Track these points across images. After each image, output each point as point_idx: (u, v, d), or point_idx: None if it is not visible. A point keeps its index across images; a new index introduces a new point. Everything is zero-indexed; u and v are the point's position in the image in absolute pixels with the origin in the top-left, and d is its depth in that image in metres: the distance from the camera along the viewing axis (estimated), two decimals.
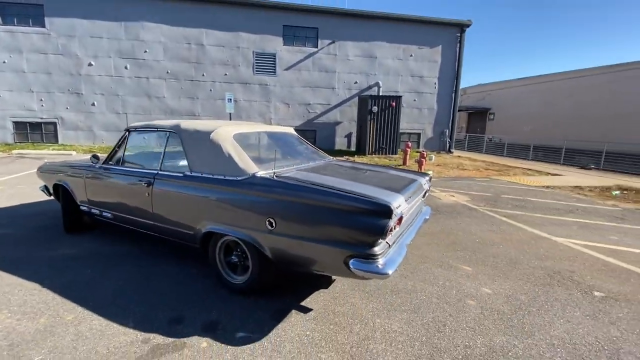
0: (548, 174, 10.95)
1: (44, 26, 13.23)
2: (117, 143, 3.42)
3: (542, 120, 22.53)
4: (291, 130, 3.97)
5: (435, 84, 16.73)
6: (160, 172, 2.94)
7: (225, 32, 14.49)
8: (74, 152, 12.16)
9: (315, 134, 15.96)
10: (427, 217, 3.23)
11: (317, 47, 15.38)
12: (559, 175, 10.72)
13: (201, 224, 2.67)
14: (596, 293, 2.90)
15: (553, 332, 2.32)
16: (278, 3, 14.63)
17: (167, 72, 14.39)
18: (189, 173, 2.76)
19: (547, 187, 8.43)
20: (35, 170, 4.69)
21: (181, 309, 2.46)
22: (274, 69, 15.20)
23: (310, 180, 2.44)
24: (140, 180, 3.01)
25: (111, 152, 3.45)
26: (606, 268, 3.44)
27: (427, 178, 3.31)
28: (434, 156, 14.33)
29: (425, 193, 3.22)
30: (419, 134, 17.13)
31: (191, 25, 14.19)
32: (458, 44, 16.45)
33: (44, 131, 14.00)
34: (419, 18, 15.88)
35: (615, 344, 2.23)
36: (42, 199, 5.31)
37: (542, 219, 5.23)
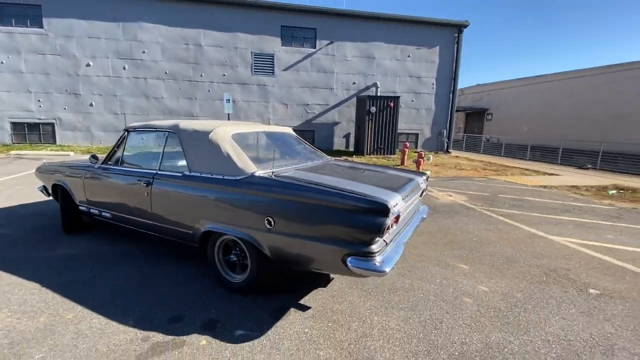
0: (545, 173, 11.02)
1: (41, 27, 13.20)
2: (116, 143, 3.43)
3: (540, 120, 22.64)
4: (289, 130, 4.00)
5: (433, 84, 16.79)
6: (159, 172, 2.96)
7: (223, 33, 14.51)
8: (72, 153, 12.14)
9: (314, 134, 15.99)
10: (425, 216, 3.26)
11: (315, 48, 15.41)
12: (556, 175, 10.78)
13: (200, 223, 2.69)
14: (591, 290, 2.94)
15: (548, 328, 2.35)
16: (276, 3, 14.66)
17: (165, 73, 14.39)
18: (187, 173, 2.78)
19: (544, 186, 8.49)
20: (34, 170, 4.69)
21: (181, 308, 2.48)
22: (272, 70, 15.23)
23: (309, 180, 2.47)
24: (139, 180, 3.03)
25: (110, 152, 3.46)
26: (601, 266, 3.47)
27: (424, 177, 3.34)
28: (431, 156, 14.38)
29: (423, 192, 3.25)
30: (417, 135, 17.18)
31: (189, 26, 14.19)
32: (456, 45, 16.52)
33: (41, 132, 13.97)
34: (417, 19, 15.94)
35: (610, 340, 2.26)
36: (40, 200, 5.32)
37: (538, 218, 5.27)
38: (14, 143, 13.70)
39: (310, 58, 15.47)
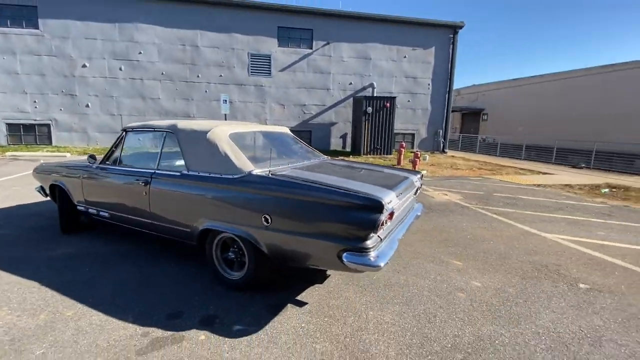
0: (540, 173, 11.15)
1: (37, 28, 13.16)
2: (114, 143, 3.47)
3: (535, 120, 22.84)
4: (286, 130, 4.05)
5: (429, 84, 16.91)
6: (157, 172, 3.00)
7: (220, 34, 14.54)
8: (68, 154, 12.10)
9: (311, 134, 16.05)
10: (419, 213, 3.32)
11: (311, 49, 15.48)
12: (551, 174, 10.91)
13: (198, 221, 2.73)
14: (581, 285, 3.01)
15: (539, 321, 2.42)
16: (272, 4, 14.71)
17: (162, 74, 14.39)
18: (185, 172, 2.82)
19: (539, 185, 8.59)
20: (31, 171, 4.71)
21: (179, 305, 2.52)
22: (269, 70, 15.27)
23: (305, 178, 2.52)
24: (137, 180, 3.06)
25: (108, 152, 3.49)
26: (592, 262, 3.55)
27: (419, 176, 3.40)
28: (427, 156, 14.49)
29: (417, 190, 3.31)
30: (413, 135, 17.29)
31: (185, 27, 14.21)
32: (451, 45, 16.65)
33: (37, 133, 13.91)
34: (413, 20, 16.06)
35: (598, 332, 2.33)
36: (37, 200, 5.32)
37: (532, 216, 5.36)
38: (9, 144, 13.63)
39: (307, 59, 15.53)
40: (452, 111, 20.72)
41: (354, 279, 2.98)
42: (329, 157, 3.95)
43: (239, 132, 3.08)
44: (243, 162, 2.65)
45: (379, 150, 14.73)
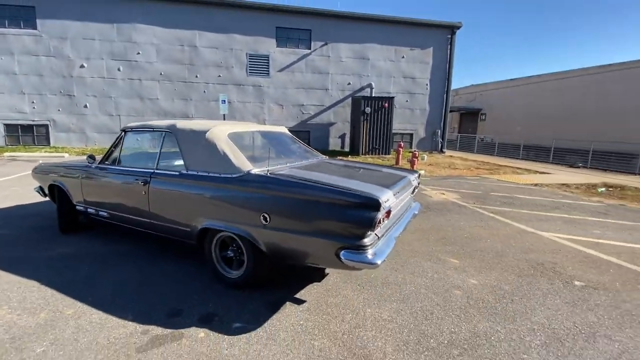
0: (537, 172, 11.21)
1: (35, 28, 13.14)
2: (114, 143, 3.48)
3: (533, 120, 22.94)
4: (285, 130, 4.07)
5: (427, 85, 16.96)
6: (156, 171, 3.02)
7: (219, 34, 14.55)
8: (66, 155, 12.09)
9: (309, 134, 16.07)
10: (416, 212, 3.35)
11: (310, 49, 15.51)
12: (548, 173, 10.97)
13: (197, 220, 2.75)
14: (576, 282, 3.05)
15: (534, 318, 2.45)
16: (271, 5, 14.74)
17: (161, 74, 14.39)
18: (185, 171, 2.84)
19: (536, 184, 8.65)
20: (30, 172, 4.71)
21: (179, 303, 2.54)
22: (268, 71, 15.29)
23: (303, 177, 2.54)
24: (136, 179, 3.08)
25: (107, 152, 3.51)
26: (587, 260, 3.59)
27: (416, 175, 3.43)
28: (426, 156, 14.54)
29: (414, 189, 3.34)
30: (411, 135, 17.34)
31: (184, 27, 14.21)
32: (449, 46, 16.71)
33: (35, 133, 13.89)
34: (411, 20, 16.11)
35: (592, 328, 2.36)
36: (36, 201, 5.33)
37: (529, 215, 5.40)
38: (7, 145, 13.61)
39: (305, 59, 15.56)
40: (451, 111, 20.80)
41: (352, 277, 3.01)
42: (327, 157, 3.98)
43: (237, 132, 3.11)
44: (242, 162, 2.68)
45: (377, 150, 14.77)
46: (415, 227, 4.52)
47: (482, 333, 2.25)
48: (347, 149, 16.40)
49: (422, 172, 10.30)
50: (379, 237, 2.31)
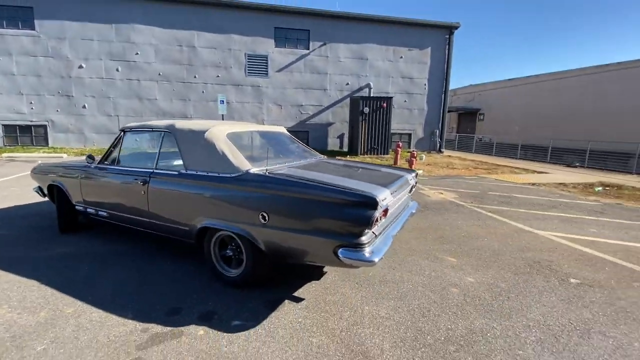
0: (535, 171, 11.26)
1: (33, 29, 13.13)
2: (113, 143, 3.50)
3: (531, 119, 23.02)
4: (283, 130, 4.10)
5: (425, 85, 17.01)
6: (155, 171, 3.04)
7: (217, 34, 14.56)
8: (64, 155, 12.08)
9: (308, 135, 16.10)
10: (414, 211, 3.38)
11: (308, 49, 15.54)
12: (545, 173, 11.03)
13: (196, 219, 2.77)
14: (572, 280, 3.08)
15: (530, 315, 2.48)
16: (269, 5, 14.76)
17: (159, 74, 14.39)
18: (184, 171, 2.86)
19: (533, 184, 8.69)
20: (29, 172, 4.72)
21: (178, 301, 2.56)
22: (266, 71, 15.31)
23: (301, 176, 2.57)
24: (136, 179, 3.10)
25: (107, 152, 3.52)
26: (583, 258, 3.63)
27: (414, 174, 3.46)
28: (424, 156, 14.58)
29: (412, 188, 3.37)
30: (409, 134, 17.39)
31: (182, 28, 14.22)
32: (447, 46, 16.77)
33: (34, 134, 13.87)
34: (409, 20, 16.16)
35: (587, 324, 2.39)
36: (35, 201, 5.34)
37: (526, 214, 5.44)
38: (5, 145, 13.58)
39: (304, 59, 15.59)
40: (449, 111, 20.87)
41: (351, 275, 3.03)
42: (326, 157, 4.00)
43: (236, 132, 3.13)
44: (240, 161, 2.70)
45: (376, 150, 14.81)
46: (413, 226, 4.55)
47: (479, 330, 2.28)
48: (345, 149, 16.43)
49: (420, 171, 10.34)
50: (376, 235, 2.33)
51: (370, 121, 14.52)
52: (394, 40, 16.21)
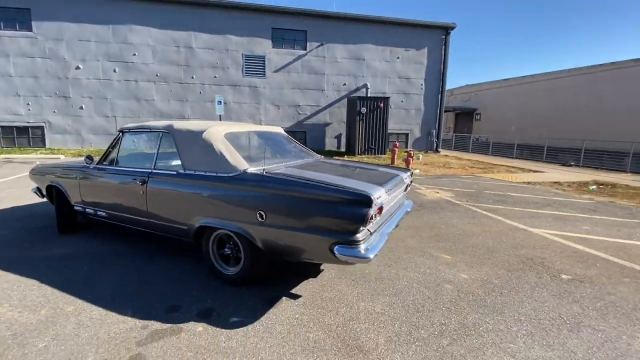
0: (530, 171, 11.36)
1: (30, 30, 13.11)
2: (111, 144, 3.53)
3: (527, 119, 23.18)
4: (280, 130, 4.14)
5: (421, 85, 17.10)
6: (154, 171, 3.07)
7: (214, 35, 14.59)
8: (62, 156, 12.06)
9: (305, 135, 16.14)
10: (409, 209, 3.43)
11: (305, 50, 15.59)
12: (541, 172, 11.13)
13: (195, 219, 2.81)
14: (564, 276, 3.15)
15: (521, 309, 2.54)
16: (266, 6, 14.81)
17: (157, 75, 14.40)
18: (182, 171, 2.90)
19: (528, 183, 8.78)
20: (27, 173, 4.74)
21: (177, 299, 2.60)
22: (264, 71, 15.35)
23: (298, 175, 2.62)
24: (134, 179, 3.13)
25: (105, 152, 3.56)
26: (575, 254, 3.70)
27: (409, 173, 3.51)
28: (421, 155, 14.66)
29: (407, 187, 3.43)
30: (406, 134, 17.47)
31: (180, 28, 14.24)
32: (443, 46, 16.87)
33: (31, 135, 13.84)
34: (405, 21, 16.25)
35: (577, 318, 2.46)
36: (33, 202, 5.36)
37: (520, 212, 5.51)
38: (2, 147, 13.55)
39: (301, 60, 15.64)
40: (446, 111, 20.99)
41: (347, 272, 3.09)
42: (323, 157, 4.05)
43: (233, 132, 3.17)
44: (238, 161, 2.74)
45: (373, 150, 14.88)
46: (409, 225, 4.61)
47: (471, 324, 2.34)
48: (343, 149, 16.49)
49: (416, 171, 10.41)
50: (371, 233, 2.38)
51: (367, 121, 14.59)
52: (390, 40, 16.29)
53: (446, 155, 16.24)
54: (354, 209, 2.22)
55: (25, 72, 13.32)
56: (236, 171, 2.67)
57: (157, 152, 3.16)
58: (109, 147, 3.55)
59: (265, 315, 2.41)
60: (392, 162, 11.61)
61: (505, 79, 25.47)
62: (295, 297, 2.67)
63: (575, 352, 2.08)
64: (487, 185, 8.16)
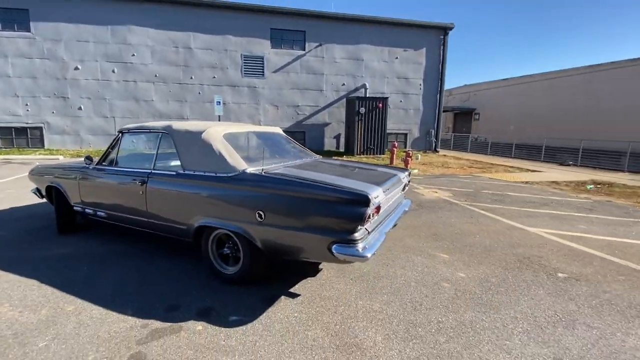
0: (528, 170, 11.41)
1: (29, 31, 13.11)
2: (111, 144, 3.55)
3: (525, 119, 23.26)
4: (279, 131, 4.17)
5: (420, 85, 17.15)
6: (153, 171, 3.09)
7: (213, 36, 14.60)
8: (60, 157, 12.06)
9: (305, 135, 16.17)
10: (407, 209, 3.46)
11: (304, 50, 15.62)
12: (539, 171, 11.17)
13: (194, 219, 2.83)
14: (560, 274, 3.18)
15: (517, 307, 2.57)
16: (265, 7, 14.83)
17: (155, 76, 14.40)
18: (181, 171, 2.92)
19: (526, 182, 8.82)
20: (27, 174, 4.75)
21: (177, 299, 2.62)
22: (262, 72, 15.37)
23: (297, 175, 2.64)
24: (134, 179, 3.15)
25: (105, 153, 3.58)
26: (572, 253, 3.73)
27: (407, 173, 3.54)
28: (420, 155, 14.70)
29: (405, 187, 3.45)
30: (405, 134, 17.51)
31: (178, 29, 14.25)
32: (442, 46, 16.92)
33: (29, 136, 13.83)
34: (403, 21, 16.29)
35: (572, 316, 2.49)
36: (32, 202, 5.36)
37: (518, 212, 5.55)
38: (1, 148, 13.53)
39: (300, 60, 15.66)
40: (444, 111, 21.03)
41: (346, 271, 3.11)
42: (321, 157, 4.08)
43: (232, 133, 3.19)
44: (237, 161, 2.77)
45: (372, 150, 14.92)
46: (407, 224, 4.64)
47: (468, 322, 2.36)
48: (342, 149, 16.52)
49: (415, 170, 10.45)
50: (369, 232, 2.41)
51: (366, 121, 14.62)
52: (389, 41, 16.34)
53: (445, 155, 16.28)
54: (352, 209, 2.24)
55: (23, 72, 13.31)
56: (235, 171, 2.69)
57: (157, 153, 3.18)
58: (108, 148, 3.57)
59: (265, 314, 2.43)
60: (391, 162, 11.64)
61: (504, 79, 25.56)
62: (294, 296, 2.70)
63: (570, 348, 2.11)
64: (485, 185, 8.20)
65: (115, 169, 3.40)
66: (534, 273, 3.20)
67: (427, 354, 2.03)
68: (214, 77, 14.94)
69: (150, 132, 3.32)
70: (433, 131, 17.60)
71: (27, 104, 13.54)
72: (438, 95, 17.39)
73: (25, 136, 13.81)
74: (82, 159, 3.76)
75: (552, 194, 7.24)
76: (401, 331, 2.25)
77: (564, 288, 2.91)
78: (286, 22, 15.23)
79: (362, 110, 14.47)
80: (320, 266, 3.21)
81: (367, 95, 15.75)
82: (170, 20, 14.09)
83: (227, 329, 2.25)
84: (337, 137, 16.77)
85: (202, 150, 2.88)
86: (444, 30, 16.76)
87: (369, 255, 2.21)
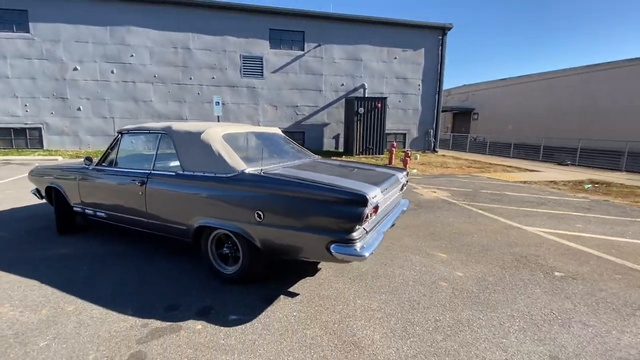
0: (526, 170, 11.45)
1: (28, 31, 13.10)
2: (110, 145, 3.57)
3: (523, 119, 23.33)
4: (278, 131, 4.19)
5: (419, 85, 17.19)
6: (153, 172, 3.11)
7: (212, 36, 14.61)
8: (59, 158, 12.06)
9: (304, 135, 16.19)
10: (405, 208, 3.49)
11: (303, 50, 15.64)
12: (537, 171, 11.21)
13: (193, 219, 2.85)
14: (556, 273, 3.21)
15: (514, 306, 2.60)
16: (264, 7, 14.85)
17: (154, 76, 14.41)
18: (181, 172, 2.94)
19: (524, 182, 8.86)
20: (26, 174, 4.77)
21: (177, 298, 2.64)
22: (262, 72, 15.39)
23: (295, 176, 2.66)
24: (133, 180, 3.17)
25: (104, 153, 3.59)
26: (568, 252, 3.76)
27: (405, 173, 3.57)
28: (419, 155, 14.73)
29: (403, 187, 3.48)
30: (404, 134, 17.55)
31: (178, 30, 14.26)
32: (440, 46, 16.96)
33: (28, 137, 13.82)
34: (402, 22, 16.33)
35: (568, 314, 2.51)
36: (32, 203, 5.38)
37: (515, 211, 5.58)
38: (0, 149, 13.52)
39: (299, 60, 15.69)
40: (443, 111, 21.08)
41: (344, 271, 3.13)
42: (320, 157, 4.10)
43: (231, 133, 3.22)
44: (236, 162, 2.79)
45: (371, 150, 14.94)
46: (405, 224, 4.66)
47: (465, 320, 2.39)
48: (341, 149, 16.55)
49: (414, 170, 10.48)
50: (367, 231, 2.43)
51: (365, 121, 14.65)
52: (387, 41, 16.37)
53: (444, 155, 16.32)
54: (350, 208, 2.27)
55: (22, 73, 13.30)
56: (234, 172, 2.71)
57: (156, 153, 3.20)
58: (108, 149, 3.58)
59: (264, 313, 2.45)
60: (390, 162, 11.67)
61: (502, 79, 25.62)
62: (293, 295, 2.72)
63: (565, 346, 2.14)
64: (483, 185, 8.23)
65: (115, 169, 3.42)
66: (531, 272, 3.22)
67: (424, 352, 2.06)
68: (213, 77, 14.95)
69: (149, 132, 3.34)
70: (432, 131, 17.64)
71: (26, 105, 13.53)
72: (437, 95, 17.43)
73: (24, 137, 13.81)
74: (82, 159, 3.78)
75: (550, 194, 7.28)
76: (399, 329, 2.27)
77: (561, 287, 2.94)
78: (285, 22, 15.25)
79: (361, 110, 14.50)
80: (319, 266, 3.23)
81: (366, 96, 15.78)
82: (169, 21, 14.10)
83: (227, 328, 2.27)
84: (336, 138, 16.79)
85: (201, 150, 2.90)
86: (443, 30, 16.80)
87: (367, 254, 2.23)
